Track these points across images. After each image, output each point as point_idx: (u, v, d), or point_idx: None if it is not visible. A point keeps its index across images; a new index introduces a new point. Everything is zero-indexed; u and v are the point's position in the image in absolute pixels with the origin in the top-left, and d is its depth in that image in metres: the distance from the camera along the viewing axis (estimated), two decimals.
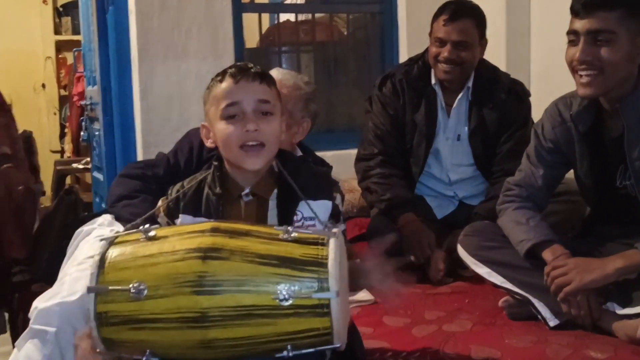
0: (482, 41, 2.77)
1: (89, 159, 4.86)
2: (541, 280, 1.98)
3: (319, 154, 2.51)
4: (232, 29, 3.62)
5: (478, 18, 2.74)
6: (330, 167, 2.31)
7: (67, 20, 7.05)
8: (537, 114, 2.51)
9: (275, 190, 1.59)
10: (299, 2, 4.73)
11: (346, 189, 3.37)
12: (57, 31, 7.04)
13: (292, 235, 1.31)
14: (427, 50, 2.85)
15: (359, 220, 3.23)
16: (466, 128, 2.82)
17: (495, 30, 3.30)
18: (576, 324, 1.95)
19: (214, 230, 1.31)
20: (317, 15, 4.32)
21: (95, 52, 3.84)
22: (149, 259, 1.29)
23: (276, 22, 4.56)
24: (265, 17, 4.76)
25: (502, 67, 3.12)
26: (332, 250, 1.27)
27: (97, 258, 1.32)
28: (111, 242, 1.35)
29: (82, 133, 4.59)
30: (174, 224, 1.59)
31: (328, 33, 4.28)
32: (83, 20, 4.37)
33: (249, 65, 1.61)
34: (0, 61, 6.56)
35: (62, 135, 6.88)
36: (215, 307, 1.23)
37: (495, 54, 3.14)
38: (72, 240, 2.22)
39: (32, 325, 1.76)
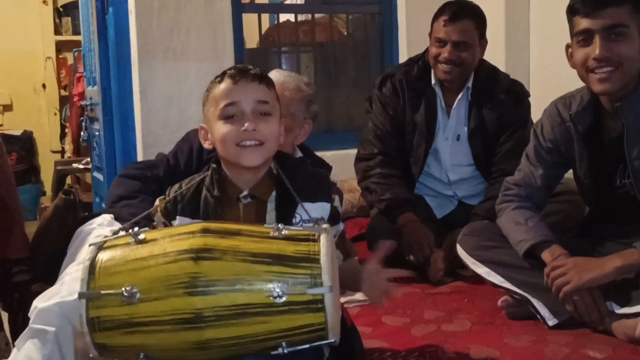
0: (482, 41, 2.77)
1: (89, 159, 4.86)
2: (540, 280, 1.98)
3: (319, 154, 2.51)
4: (232, 29, 3.63)
5: (478, 18, 2.74)
6: (330, 168, 2.32)
7: (67, 21, 7.05)
8: (536, 114, 2.51)
9: (274, 193, 1.59)
10: (298, 2, 4.73)
11: (346, 189, 3.37)
12: (57, 31, 7.03)
13: (283, 232, 1.31)
14: (426, 50, 2.85)
15: (358, 220, 3.24)
16: (466, 128, 2.82)
17: (495, 31, 3.30)
18: (577, 323, 1.95)
19: (205, 231, 1.31)
20: (317, 15, 4.32)
21: (96, 52, 3.84)
22: (140, 262, 1.29)
23: (276, 22, 4.55)
24: (265, 17, 4.77)
25: (502, 68, 3.12)
26: (324, 246, 1.28)
27: (87, 263, 1.31)
28: (100, 246, 1.35)
29: (82, 133, 4.59)
30: (171, 225, 1.59)
31: (328, 33, 4.28)
32: (83, 21, 4.37)
33: (248, 67, 1.61)
34: (1, 61, 6.56)
35: (63, 136, 6.87)
36: (210, 307, 1.23)
37: (495, 54, 3.14)
38: (72, 240, 2.22)
39: (32, 324, 1.76)
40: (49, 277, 2.12)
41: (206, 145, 1.65)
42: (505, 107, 2.78)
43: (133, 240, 1.33)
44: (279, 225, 1.33)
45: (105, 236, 1.40)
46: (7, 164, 2.17)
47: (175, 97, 3.50)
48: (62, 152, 6.85)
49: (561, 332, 1.94)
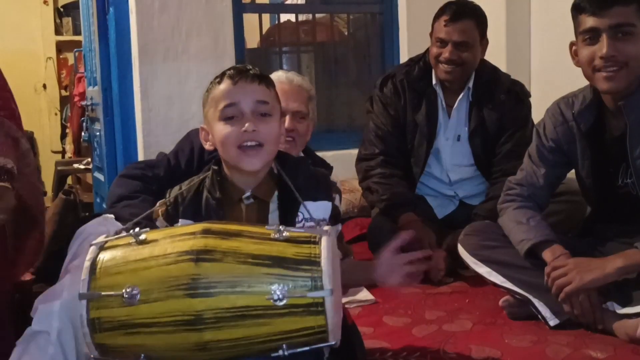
0: (483, 41, 2.77)
1: (89, 160, 4.87)
2: (541, 280, 1.98)
3: (320, 154, 2.51)
4: (233, 29, 3.63)
5: (479, 18, 2.74)
6: (331, 168, 2.32)
7: (67, 21, 7.05)
8: (537, 114, 2.51)
9: (276, 193, 1.59)
10: (299, 2, 4.73)
11: (347, 188, 3.37)
12: (57, 32, 7.04)
13: (284, 234, 1.31)
14: (427, 50, 2.85)
15: (359, 220, 3.24)
16: (466, 128, 2.82)
17: (496, 31, 3.30)
18: (576, 323, 1.95)
19: (206, 232, 1.30)
20: (318, 15, 4.33)
21: (96, 52, 3.84)
22: (140, 263, 1.29)
23: (277, 22, 4.55)
24: (266, 17, 4.77)
25: (503, 68, 3.12)
26: (325, 249, 1.27)
27: (87, 264, 1.31)
28: (101, 247, 1.34)
29: (83, 133, 4.60)
30: None
31: (328, 33, 4.29)
32: (84, 21, 4.38)
33: (248, 67, 1.60)
34: (1, 62, 6.50)
35: (63, 136, 6.88)
36: (210, 309, 1.23)
37: (496, 54, 3.14)
38: (72, 240, 2.22)
39: (34, 326, 1.75)
40: (50, 278, 2.12)
41: (207, 146, 1.64)
42: (505, 108, 2.78)
43: (134, 240, 1.33)
44: (280, 226, 1.32)
45: (107, 236, 1.39)
46: (34, 173, 2.15)
47: (176, 97, 3.50)
48: (63, 152, 6.85)
49: (562, 332, 1.94)
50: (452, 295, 2.38)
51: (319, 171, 1.73)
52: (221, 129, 1.55)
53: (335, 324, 1.26)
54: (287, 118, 2.18)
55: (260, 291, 1.24)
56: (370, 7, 4.23)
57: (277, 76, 2.23)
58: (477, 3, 2.80)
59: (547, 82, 3.54)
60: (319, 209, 1.55)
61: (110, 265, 1.30)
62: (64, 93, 6.97)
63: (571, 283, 1.89)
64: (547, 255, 2.00)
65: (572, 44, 2.05)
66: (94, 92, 4.08)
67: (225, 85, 1.56)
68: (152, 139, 3.45)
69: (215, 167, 1.62)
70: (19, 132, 2.07)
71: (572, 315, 1.93)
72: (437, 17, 2.76)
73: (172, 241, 1.31)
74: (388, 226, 2.70)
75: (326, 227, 1.34)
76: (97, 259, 1.32)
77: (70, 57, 6.73)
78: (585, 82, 2.10)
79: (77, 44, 5.44)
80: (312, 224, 1.50)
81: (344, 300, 1.85)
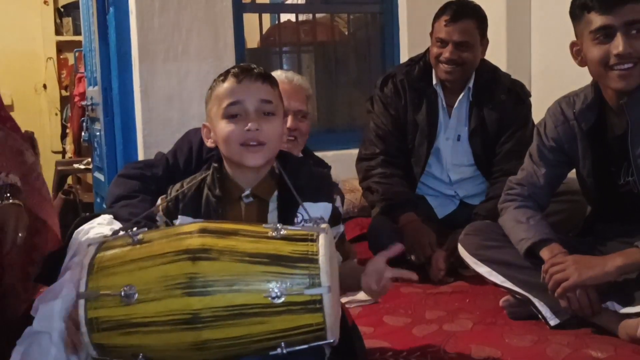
0: (484, 41, 2.76)
1: (90, 160, 4.87)
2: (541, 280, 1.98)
3: (320, 154, 2.51)
4: (233, 29, 3.63)
5: (479, 18, 2.73)
6: (329, 168, 2.32)
7: (68, 21, 7.05)
8: (537, 114, 2.51)
9: (276, 192, 1.59)
10: (299, 2, 4.73)
11: (347, 188, 3.37)
12: (58, 32, 7.03)
13: (281, 232, 1.31)
14: (428, 50, 2.85)
15: (360, 220, 3.24)
16: (466, 128, 2.82)
17: (496, 31, 3.30)
18: (577, 322, 1.95)
19: (202, 231, 1.31)
20: (318, 15, 4.32)
21: (96, 52, 3.84)
22: (138, 262, 1.29)
23: (277, 22, 4.55)
24: (266, 17, 4.76)
25: (503, 68, 3.11)
26: (322, 246, 1.27)
27: (85, 263, 1.31)
28: (99, 246, 1.35)
29: (83, 133, 4.60)
30: (173, 224, 1.58)
31: (329, 33, 4.29)
32: (84, 21, 4.38)
33: (252, 66, 1.61)
34: (2, 62, 6.56)
35: (64, 136, 6.87)
36: (207, 307, 1.23)
37: (496, 54, 3.14)
38: (72, 240, 2.21)
39: (35, 326, 1.74)
40: (50, 278, 2.11)
41: (209, 143, 1.64)
42: (506, 107, 2.78)
43: (131, 240, 1.33)
44: (278, 225, 1.32)
45: (104, 236, 1.39)
46: (41, 180, 2.14)
47: (176, 97, 3.50)
48: (63, 152, 6.85)
49: (563, 332, 1.94)
50: (452, 295, 2.38)
51: (320, 172, 1.73)
52: (224, 127, 1.55)
53: (333, 321, 1.26)
54: (290, 117, 2.19)
55: (258, 289, 1.24)
56: (370, 7, 4.23)
57: (276, 75, 2.23)
58: (478, 3, 2.79)
59: (547, 81, 3.54)
60: (319, 210, 1.55)
61: (107, 265, 1.30)
62: (64, 93, 6.97)
63: (569, 279, 1.89)
64: (545, 253, 2.00)
65: (573, 45, 2.04)
66: (94, 92, 4.08)
67: (229, 83, 1.56)
68: (152, 139, 3.45)
69: (216, 165, 1.62)
70: (24, 145, 2.06)
71: (569, 311, 1.93)
72: (437, 17, 2.76)
73: (169, 241, 1.31)
74: (388, 226, 2.70)
75: (324, 225, 1.34)
76: (95, 258, 1.32)
77: (70, 57, 6.73)
78: (585, 82, 2.10)
79: (78, 44, 5.44)
80: (310, 224, 1.50)
81: (344, 300, 1.85)
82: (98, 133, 4.04)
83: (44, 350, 1.70)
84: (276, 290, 1.23)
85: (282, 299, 1.23)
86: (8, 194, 1.85)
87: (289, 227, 1.34)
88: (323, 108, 4.16)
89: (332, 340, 1.28)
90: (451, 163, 2.87)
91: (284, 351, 1.25)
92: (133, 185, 2.16)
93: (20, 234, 1.82)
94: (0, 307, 1.95)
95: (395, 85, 2.88)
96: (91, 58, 4.13)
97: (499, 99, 2.78)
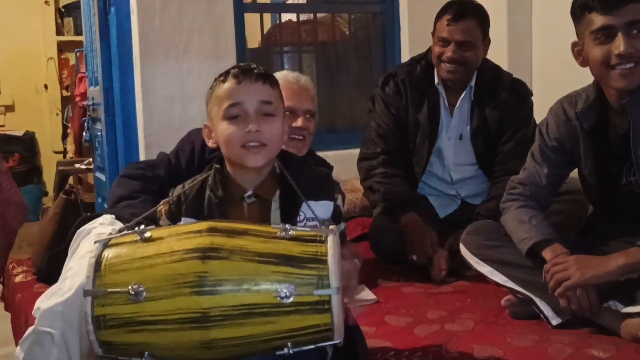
0: (485, 41, 2.76)
1: (91, 160, 4.86)
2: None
3: (321, 153, 2.51)
4: (234, 29, 3.62)
5: (481, 18, 2.73)
6: (331, 167, 2.32)
7: (69, 21, 7.05)
8: (539, 113, 2.51)
9: (278, 192, 1.59)
10: (300, 2, 4.73)
11: (348, 188, 3.37)
12: (59, 32, 7.04)
13: (290, 233, 1.31)
14: (429, 49, 2.85)
15: (361, 219, 3.24)
16: (468, 127, 2.81)
17: (497, 30, 3.30)
18: (578, 322, 1.94)
19: (212, 230, 1.31)
20: (319, 15, 4.32)
21: (97, 52, 3.84)
22: (146, 260, 1.29)
23: (278, 22, 4.55)
24: (267, 17, 4.76)
25: (504, 67, 3.11)
26: (331, 247, 1.28)
27: (92, 261, 1.31)
28: (105, 244, 1.35)
29: (84, 133, 4.59)
30: None
31: (330, 33, 4.28)
32: (85, 21, 4.37)
33: (252, 66, 1.60)
34: (3, 62, 6.57)
35: (65, 136, 6.88)
36: (216, 307, 1.23)
37: (497, 53, 3.14)
38: (73, 240, 2.21)
39: (37, 326, 1.74)
40: (51, 278, 2.11)
41: (210, 143, 1.64)
42: (507, 106, 2.78)
43: (139, 238, 1.33)
44: (286, 225, 1.32)
45: (110, 233, 1.39)
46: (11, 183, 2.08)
47: (178, 97, 3.50)
48: (64, 152, 6.86)
49: (565, 332, 1.94)
50: (454, 295, 2.38)
51: (321, 171, 1.73)
52: (225, 128, 1.55)
53: (339, 322, 1.27)
54: (301, 118, 2.20)
55: (268, 289, 1.24)
56: (371, 6, 4.23)
57: (283, 75, 2.24)
58: (479, 2, 2.79)
59: (548, 80, 3.54)
60: (321, 208, 1.55)
61: (115, 263, 1.30)
62: (65, 93, 6.97)
63: (571, 278, 1.89)
64: (547, 253, 2.00)
65: (574, 45, 2.04)
66: (95, 92, 4.07)
67: (229, 84, 1.56)
68: (153, 139, 3.45)
69: (218, 166, 1.62)
70: None
71: (569, 310, 1.93)
72: (439, 17, 2.75)
73: (178, 239, 1.31)
74: (390, 226, 2.70)
75: (332, 227, 1.34)
76: (102, 256, 1.32)
77: (71, 57, 6.74)
78: (587, 81, 2.09)
79: (79, 44, 5.44)
80: (313, 223, 1.50)
81: (346, 299, 1.85)
82: (99, 133, 4.04)
83: (46, 351, 1.70)
84: (285, 291, 1.23)
85: (291, 299, 1.23)
86: None
87: (297, 228, 1.34)
88: (324, 108, 4.15)
89: (338, 341, 1.28)
90: (453, 162, 2.87)
91: (291, 351, 1.26)
92: (135, 185, 2.16)
93: None
94: None
95: (397, 85, 2.87)
96: (92, 58, 4.12)
97: (501, 98, 2.78)
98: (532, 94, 2.87)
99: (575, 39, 2.03)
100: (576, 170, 2.20)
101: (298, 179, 1.56)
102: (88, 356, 1.70)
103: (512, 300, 2.12)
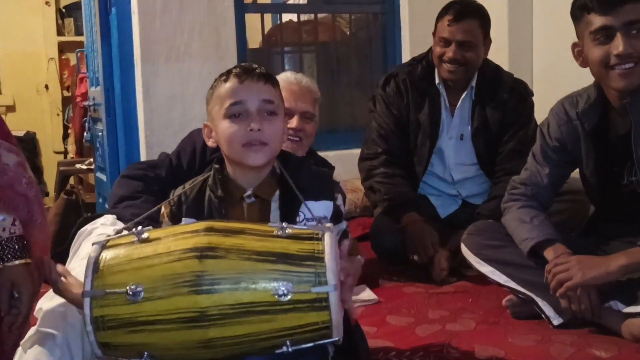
0: (486, 41, 2.76)
1: (92, 160, 4.87)
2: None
3: (322, 154, 2.51)
4: (235, 29, 3.63)
5: (482, 18, 2.73)
6: (333, 168, 2.32)
7: (69, 22, 7.06)
8: (540, 114, 2.51)
9: (277, 192, 1.59)
10: (301, 2, 4.73)
11: (349, 188, 3.37)
12: (59, 32, 7.04)
13: (287, 231, 1.31)
14: (430, 50, 2.85)
15: (362, 219, 3.24)
16: (469, 127, 2.82)
17: (498, 30, 3.30)
18: (580, 322, 1.94)
19: (209, 230, 1.31)
20: (320, 15, 4.32)
21: (98, 53, 3.84)
22: (144, 260, 1.29)
23: (278, 22, 4.55)
24: (268, 17, 4.76)
25: (505, 67, 3.11)
26: (328, 245, 1.28)
27: (90, 262, 1.31)
28: (103, 245, 1.35)
29: (85, 134, 4.59)
30: None
31: (330, 33, 4.28)
32: (86, 22, 4.38)
33: (254, 66, 1.61)
34: (4, 63, 6.57)
35: (65, 136, 6.89)
36: (214, 305, 1.23)
37: (498, 53, 3.14)
38: (74, 241, 2.21)
39: (39, 327, 1.74)
40: None
41: (210, 143, 1.64)
42: (508, 106, 2.78)
43: (137, 239, 1.33)
44: (283, 224, 1.33)
45: (108, 235, 1.39)
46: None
47: (178, 97, 3.50)
48: (65, 152, 6.86)
49: (566, 332, 1.94)
50: (455, 295, 2.38)
51: (321, 171, 1.73)
52: (226, 127, 1.55)
53: (338, 320, 1.27)
54: (296, 118, 2.19)
55: (265, 287, 1.24)
56: (372, 7, 4.23)
57: (285, 76, 2.23)
58: (480, 2, 2.79)
59: (549, 81, 3.54)
60: (320, 208, 1.55)
61: (113, 264, 1.30)
62: (66, 94, 6.98)
63: (573, 278, 1.89)
64: (549, 253, 2.00)
65: (574, 45, 2.04)
66: (96, 93, 4.08)
67: (231, 83, 1.57)
68: (154, 139, 3.45)
69: (217, 166, 1.62)
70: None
71: (570, 311, 1.93)
72: (440, 17, 2.76)
73: (175, 239, 1.31)
74: (391, 226, 2.70)
75: (328, 224, 1.34)
76: (100, 257, 1.32)
77: (72, 57, 6.74)
78: (588, 81, 2.09)
79: (79, 44, 5.44)
80: (313, 223, 1.50)
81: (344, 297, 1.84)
82: (100, 133, 4.04)
83: (47, 352, 1.70)
84: (283, 288, 1.23)
85: (289, 297, 1.23)
86: (17, 249, 1.61)
87: (294, 226, 1.34)
88: (325, 108, 4.15)
89: (337, 339, 1.28)
90: (454, 162, 2.87)
91: (290, 349, 1.26)
92: (136, 186, 2.16)
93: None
94: None
95: (398, 85, 2.88)
96: (93, 58, 4.13)
97: (502, 98, 2.78)
98: (533, 94, 2.87)
99: (575, 39, 2.04)
100: (577, 170, 2.20)
101: (297, 179, 1.56)
102: (91, 358, 1.69)
103: (513, 300, 2.12)
